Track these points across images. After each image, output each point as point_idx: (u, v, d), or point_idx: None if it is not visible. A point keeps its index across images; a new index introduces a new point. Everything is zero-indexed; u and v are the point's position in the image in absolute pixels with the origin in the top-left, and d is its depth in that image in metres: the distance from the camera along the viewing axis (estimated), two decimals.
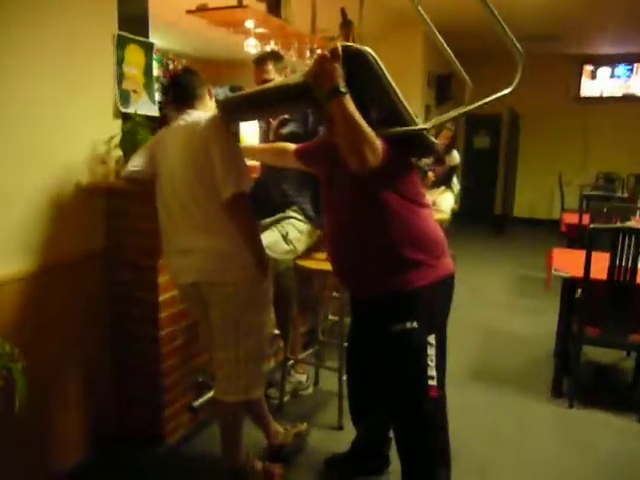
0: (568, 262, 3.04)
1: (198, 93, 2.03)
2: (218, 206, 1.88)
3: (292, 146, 2.14)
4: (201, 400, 2.52)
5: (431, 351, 1.65)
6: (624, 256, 2.64)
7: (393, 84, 1.55)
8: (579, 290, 2.90)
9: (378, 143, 1.51)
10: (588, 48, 8.02)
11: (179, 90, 2.04)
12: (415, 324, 1.64)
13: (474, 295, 4.77)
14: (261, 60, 2.61)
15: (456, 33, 6.52)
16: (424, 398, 1.65)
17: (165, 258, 2.10)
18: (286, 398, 2.83)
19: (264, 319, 2.05)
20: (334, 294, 3.01)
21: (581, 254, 3.08)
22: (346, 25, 4.46)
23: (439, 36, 1.82)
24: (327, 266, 2.61)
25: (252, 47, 3.29)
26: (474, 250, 6.80)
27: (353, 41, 4.52)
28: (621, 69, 8.55)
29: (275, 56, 2.67)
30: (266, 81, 2.54)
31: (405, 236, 1.65)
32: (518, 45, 1.46)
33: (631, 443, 2.55)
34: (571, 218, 4.96)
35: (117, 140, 2.29)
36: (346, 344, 2.14)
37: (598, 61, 8.50)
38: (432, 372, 1.64)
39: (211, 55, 7.80)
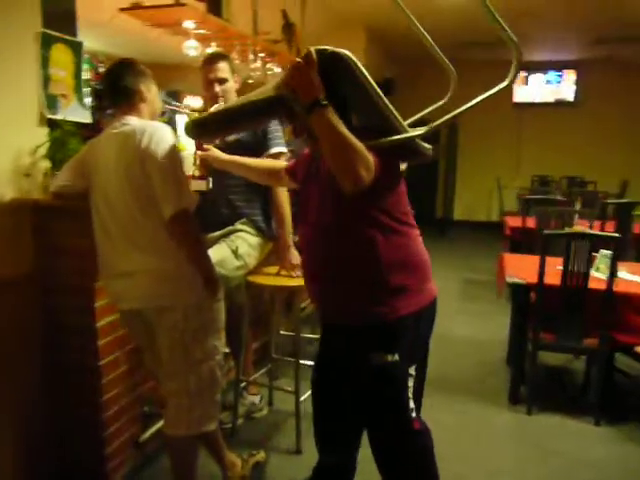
0: (520, 268, 3.04)
1: (136, 90, 1.81)
2: (159, 223, 1.71)
3: (282, 164, 2.01)
4: (148, 433, 2.31)
5: (410, 383, 1.51)
6: (576, 261, 2.65)
7: (377, 88, 1.40)
8: (532, 295, 2.89)
9: (370, 157, 1.33)
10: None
11: (112, 89, 1.84)
12: (397, 356, 1.48)
13: None
14: (213, 58, 2.44)
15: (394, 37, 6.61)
16: (407, 433, 1.52)
17: (104, 282, 1.90)
18: (240, 421, 2.67)
19: (216, 343, 1.89)
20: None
21: (531, 259, 3.11)
22: (288, 27, 4.35)
23: (419, 26, 1.68)
24: (280, 281, 2.49)
25: (192, 49, 3.10)
26: None
27: (296, 44, 4.42)
28: (551, 75, 8.89)
29: (227, 57, 2.51)
30: (220, 80, 2.39)
31: (391, 259, 1.49)
32: (512, 36, 1.34)
33: (591, 446, 2.56)
34: (514, 221, 5.05)
35: (44, 150, 2.06)
36: (312, 366, 1.95)
37: (530, 67, 8.80)
38: (411, 404, 1.52)
39: (147, 58, 7.36)
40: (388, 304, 1.48)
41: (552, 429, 2.70)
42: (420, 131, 1.41)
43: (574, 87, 8.78)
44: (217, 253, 2.28)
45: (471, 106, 1.38)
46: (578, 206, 4.74)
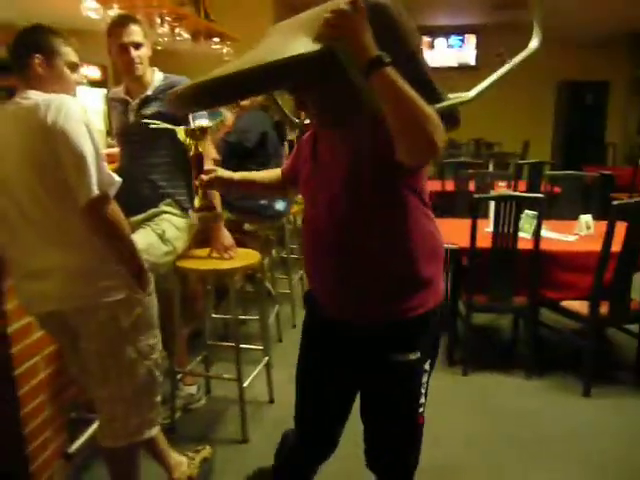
0: (447, 232, 3.06)
1: (32, 60, 1.54)
2: (74, 211, 1.49)
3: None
4: (78, 442, 2.10)
5: (425, 379, 1.38)
6: (505, 223, 2.71)
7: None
8: (463, 259, 2.93)
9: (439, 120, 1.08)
10: (426, 20, 8.36)
11: (12, 59, 1.57)
12: (419, 354, 1.33)
13: None
14: (125, 21, 2.16)
15: None
16: (414, 427, 1.42)
17: (14, 283, 1.65)
18: (178, 415, 2.50)
19: (152, 341, 1.71)
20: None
21: (456, 223, 3.15)
22: None
23: None
24: (212, 264, 2.33)
25: (92, 11, 2.76)
26: None
27: (204, 7, 4.13)
28: (454, 39, 9.08)
29: (138, 20, 2.23)
30: (135, 45, 2.12)
31: (423, 247, 1.30)
32: None
33: (527, 399, 2.68)
34: (432, 185, 5.12)
35: None
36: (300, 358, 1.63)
37: (435, 32, 8.91)
38: (422, 400, 1.40)
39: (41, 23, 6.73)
40: (416, 299, 1.31)
41: (488, 387, 2.79)
42: (470, 96, 1.22)
43: (475, 51, 9.03)
44: (142, 239, 2.07)
45: (508, 71, 1.25)
46: (491, 168, 4.89)
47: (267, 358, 2.63)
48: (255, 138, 3.07)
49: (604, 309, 2.62)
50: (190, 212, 2.29)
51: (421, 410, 1.40)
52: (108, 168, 1.55)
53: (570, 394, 2.70)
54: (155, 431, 1.75)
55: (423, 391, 1.39)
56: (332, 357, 1.45)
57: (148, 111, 2.22)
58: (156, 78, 2.26)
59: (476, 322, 3.44)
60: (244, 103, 3.09)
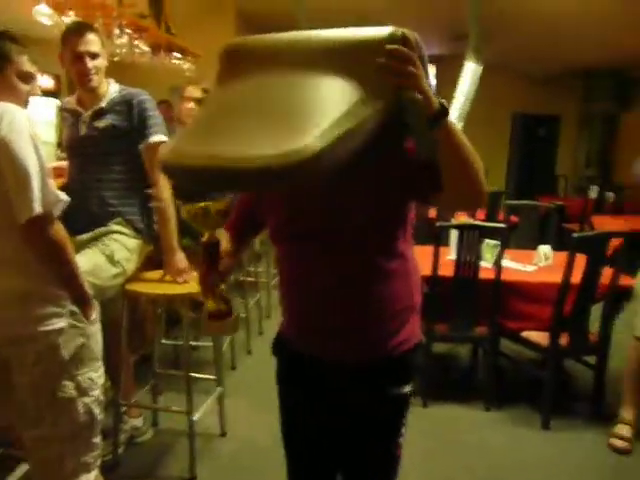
0: None
1: None
2: (10, 230, 1.37)
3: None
4: None
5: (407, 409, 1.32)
6: (467, 252, 2.69)
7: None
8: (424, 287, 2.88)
9: None
10: None
11: None
12: (412, 385, 1.27)
13: None
14: (81, 28, 2.02)
15: None
16: (397, 458, 1.35)
17: None
18: (121, 450, 2.32)
19: (93, 375, 1.56)
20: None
21: (418, 249, 3.10)
22: (156, 1, 3.94)
23: None
24: (165, 289, 2.19)
25: (44, 17, 2.61)
26: None
27: (165, 20, 4.02)
28: None
29: (95, 28, 2.11)
30: (91, 55, 1.99)
31: (416, 277, 1.24)
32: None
33: (486, 432, 2.62)
34: None
35: None
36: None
37: None
38: (403, 430, 1.32)
39: None
40: (411, 331, 1.25)
41: (448, 419, 2.73)
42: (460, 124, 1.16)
43: (434, 81, 9.22)
44: (88, 260, 1.92)
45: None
46: None
47: (220, 389, 2.49)
48: None
49: (563, 340, 2.62)
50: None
51: (401, 440, 1.33)
52: (54, 185, 1.42)
53: (529, 427, 2.66)
54: (93, 476, 1.59)
55: (404, 422, 1.32)
56: (323, 402, 1.33)
57: (101, 124, 2.09)
58: (111, 90, 2.13)
59: (435, 351, 3.40)
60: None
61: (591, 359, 2.81)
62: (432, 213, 4.29)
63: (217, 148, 0.92)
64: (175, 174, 1.04)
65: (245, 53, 1.07)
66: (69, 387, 1.47)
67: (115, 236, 2.08)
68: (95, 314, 1.56)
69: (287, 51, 1.02)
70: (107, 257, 2.02)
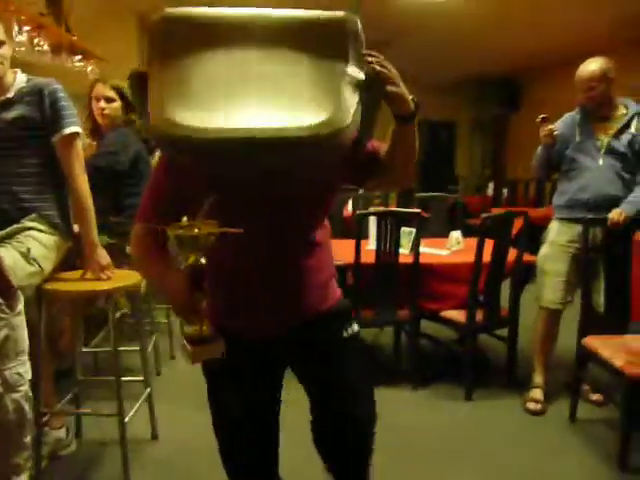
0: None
1: None
2: None
3: None
4: None
5: None
6: (387, 239, 2.80)
7: None
8: (348, 276, 2.97)
9: None
10: None
11: None
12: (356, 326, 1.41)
13: None
14: None
15: None
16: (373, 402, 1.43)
17: None
18: (44, 464, 2.16)
19: (21, 369, 1.47)
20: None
21: (336, 243, 3.19)
22: (53, 3, 3.76)
23: None
24: (87, 286, 2.09)
25: None
26: None
27: (65, 21, 3.85)
28: None
29: None
30: None
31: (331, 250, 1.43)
32: None
33: (416, 409, 2.75)
34: None
35: None
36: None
37: None
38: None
39: None
40: (335, 291, 1.43)
41: (378, 402, 2.81)
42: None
43: None
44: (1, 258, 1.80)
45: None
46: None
47: (149, 389, 2.40)
48: (127, 159, 2.82)
49: (479, 316, 2.80)
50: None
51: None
52: None
53: (454, 400, 2.82)
54: (24, 477, 1.49)
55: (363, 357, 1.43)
56: (270, 373, 1.39)
57: (10, 115, 1.97)
58: (18, 80, 2.02)
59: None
60: (105, 121, 2.84)
61: (503, 332, 3.03)
62: (345, 211, 4.43)
63: (245, 121, 0.90)
64: (188, 151, 0.95)
65: (197, 26, 1.01)
66: None
67: (30, 232, 1.97)
68: (20, 306, 1.47)
69: (253, 27, 1.01)
70: (22, 254, 1.90)
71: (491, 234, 2.78)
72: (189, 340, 1.14)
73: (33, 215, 2.00)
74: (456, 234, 3.25)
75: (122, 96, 2.81)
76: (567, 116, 2.76)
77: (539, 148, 2.77)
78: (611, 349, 2.29)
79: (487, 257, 2.75)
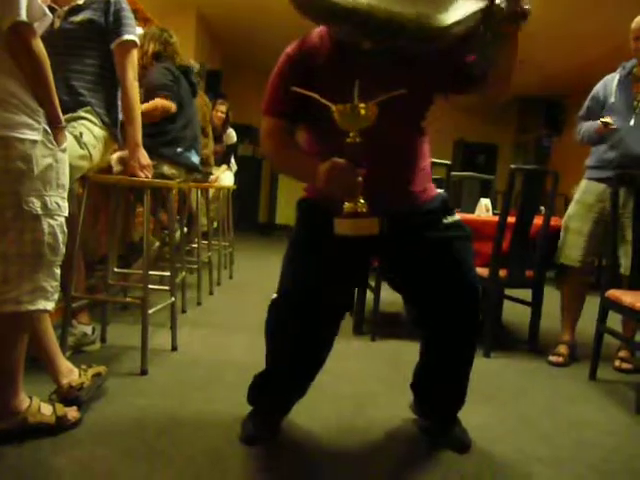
0: None
1: None
2: None
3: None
4: None
5: None
6: None
7: None
8: None
9: None
10: None
11: None
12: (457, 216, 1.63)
13: (261, 274, 4.74)
14: None
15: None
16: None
17: None
18: (67, 354, 2.26)
19: (59, 200, 1.56)
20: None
21: None
22: None
23: None
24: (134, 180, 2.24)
25: None
26: (251, 245, 6.83)
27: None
28: None
29: None
30: None
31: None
32: None
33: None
34: None
35: None
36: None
37: None
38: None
39: None
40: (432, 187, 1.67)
41: (394, 350, 2.82)
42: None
43: None
44: None
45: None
46: None
47: (173, 299, 2.49)
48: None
49: (503, 273, 2.80)
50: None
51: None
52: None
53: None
54: (50, 306, 1.56)
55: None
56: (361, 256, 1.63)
57: (77, 18, 2.16)
58: None
59: (388, 298, 3.52)
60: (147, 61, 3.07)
61: (527, 296, 3.00)
62: None
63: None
64: (334, 15, 1.18)
65: None
66: (36, 204, 1.48)
67: (83, 122, 2.13)
68: (65, 144, 1.59)
69: None
70: (75, 137, 2.05)
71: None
72: (347, 215, 1.30)
73: (87, 108, 2.16)
74: (485, 201, 3.28)
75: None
76: (607, 77, 2.80)
77: (590, 129, 2.77)
78: (633, 297, 2.27)
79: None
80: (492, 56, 1.36)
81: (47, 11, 1.49)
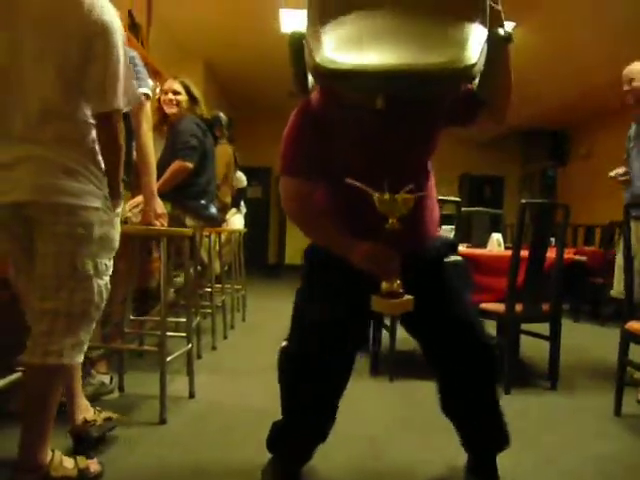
0: None
1: None
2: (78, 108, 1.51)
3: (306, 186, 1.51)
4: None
5: None
6: None
7: None
8: None
9: None
10: None
11: None
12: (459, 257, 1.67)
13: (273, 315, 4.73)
14: None
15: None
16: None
17: None
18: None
19: (108, 263, 1.62)
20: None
21: None
22: (134, 27, 4.24)
23: None
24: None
25: None
26: (261, 287, 6.84)
27: (142, 44, 4.31)
28: None
29: None
30: None
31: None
32: None
33: None
34: None
35: None
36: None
37: None
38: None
39: None
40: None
41: (414, 389, 2.78)
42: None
43: None
44: None
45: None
46: None
47: (189, 346, 2.50)
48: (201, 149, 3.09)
49: (518, 308, 2.78)
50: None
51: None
52: (134, 82, 1.60)
53: None
54: (81, 358, 1.60)
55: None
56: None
57: None
58: None
59: (405, 336, 3.50)
60: (172, 110, 3.14)
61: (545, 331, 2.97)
62: None
63: (402, 56, 1.10)
64: (361, 81, 1.14)
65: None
66: (89, 265, 1.54)
67: None
68: (119, 209, 1.64)
69: None
70: None
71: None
72: (386, 294, 1.36)
73: None
74: (497, 235, 3.29)
75: (188, 91, 3.13)
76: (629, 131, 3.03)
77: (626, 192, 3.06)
78: None
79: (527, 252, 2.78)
80: (497, 76, 1.34)
81: (142, 98, 1.57)
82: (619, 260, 3.00)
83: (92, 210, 1.52)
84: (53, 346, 1.50)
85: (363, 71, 1.10)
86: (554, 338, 2.91)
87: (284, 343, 1.58)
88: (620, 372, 2.47)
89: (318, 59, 1.12)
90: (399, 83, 1.12)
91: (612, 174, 3.13)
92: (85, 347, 1.59)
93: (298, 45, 1.24)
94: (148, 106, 2.33)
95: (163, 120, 3.18)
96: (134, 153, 2.35)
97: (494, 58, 1.22)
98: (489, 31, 1.15)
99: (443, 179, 10.09)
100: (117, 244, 1.66)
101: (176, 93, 3.12)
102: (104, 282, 1.60)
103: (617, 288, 3.04)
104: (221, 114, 4.47)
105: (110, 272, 1.64)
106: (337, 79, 1.15)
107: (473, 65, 1.09)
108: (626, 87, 2.92)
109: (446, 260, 1.61)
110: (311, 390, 1.56)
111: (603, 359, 2.88)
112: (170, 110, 3.11)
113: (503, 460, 1.70)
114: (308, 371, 1.53)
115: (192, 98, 3.14)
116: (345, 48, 1.13)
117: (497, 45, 1.20)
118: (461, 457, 1.74)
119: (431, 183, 1.63)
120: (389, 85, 1.14)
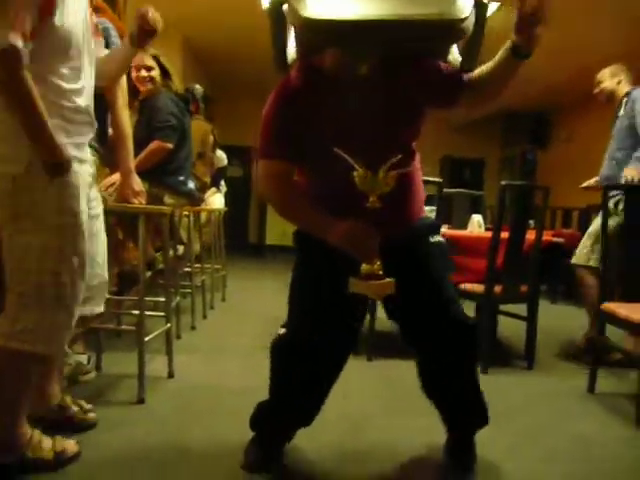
0: None
1: None
2: None
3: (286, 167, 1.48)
4: None
5: None
6: None
7: None
8: None
9: None
10: None
11: None
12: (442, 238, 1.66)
13: (254, 295, 4.71)
14: None
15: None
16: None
17: None
18: (63, 384, 2.22)
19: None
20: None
21: None
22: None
23: None
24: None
25: None
26: (242, 267, 6.80)
27: (119, 14, 4.17)
28: None
29: None
30: None
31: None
32: None
33: None
34: None
35: None
36: None
37: None
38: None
39: None
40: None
41: (393, 368, 2.81)
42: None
43: None
44: None
45: None
46: None
47: (169, 325, 2.47)
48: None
49: (497, 289, 2.81)
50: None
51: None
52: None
53: None
54: (62, 349, 1.57)
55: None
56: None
57: None
58: None
59: (384, 317, 3.51)
60: (146, 87, 3.05)
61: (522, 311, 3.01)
62: None
63: (394, 8, 1.12)
64: (353, 34, 1.15)
65: None
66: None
67: None
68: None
69: None
70: None
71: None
72: (365, 276, 1.31)
73: None
74: (477, 217, 3.30)
75: (159, 63, 3.05)
76: None
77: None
78: (628, 310, 2.28)
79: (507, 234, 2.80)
80: (478, 50, 1.34)
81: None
82: (591, 228, 3.09)
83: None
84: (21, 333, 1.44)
85: (355, 21, 1.10)
86: (531, 319, 2.96)
87: (282, 330, 1.56)
88: (595, 353, 2.53)
89: (307, 13, 1.11)
90: (391, 34, 1.14)
91: (584, 185, 3.35)
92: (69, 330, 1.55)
93: (278, 13, 1.21)
94: (124, 80, 2.26)
95: (134, 95, 3.09)
96: (109, 127, 2.29)
97: (480, 26, 1.23)
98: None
99: (425, 162, 10.04)
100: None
101: (149, 69, 3.03)
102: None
103: (578, 254, 3.08)
104: (197, 86, 4.36)
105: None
106: (328, 32, 1.15)
107: (463, 20, 1.12)
108: (596, 90, 3.25)
109: (429, 240, 1.60)
110: (306, 375, 1.56)
111: (579, 339, 2.93)
112: (145, 87, 3.03)
113: (481, 438, 1.73)
114: (302, 356, 1.53)
115: (164, 71, 3.06)
116: (333, 2, 1.13)
117: (482, 13, 1.22)
118: (440, 436, 1.76)
119: (416, 164, 1.61)
120: (380, 35, 1.14)
